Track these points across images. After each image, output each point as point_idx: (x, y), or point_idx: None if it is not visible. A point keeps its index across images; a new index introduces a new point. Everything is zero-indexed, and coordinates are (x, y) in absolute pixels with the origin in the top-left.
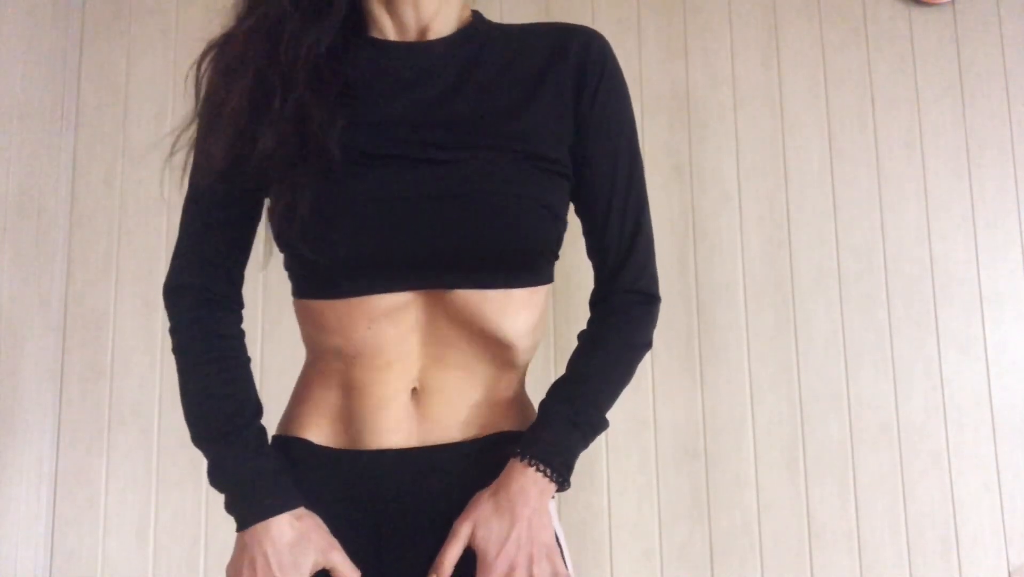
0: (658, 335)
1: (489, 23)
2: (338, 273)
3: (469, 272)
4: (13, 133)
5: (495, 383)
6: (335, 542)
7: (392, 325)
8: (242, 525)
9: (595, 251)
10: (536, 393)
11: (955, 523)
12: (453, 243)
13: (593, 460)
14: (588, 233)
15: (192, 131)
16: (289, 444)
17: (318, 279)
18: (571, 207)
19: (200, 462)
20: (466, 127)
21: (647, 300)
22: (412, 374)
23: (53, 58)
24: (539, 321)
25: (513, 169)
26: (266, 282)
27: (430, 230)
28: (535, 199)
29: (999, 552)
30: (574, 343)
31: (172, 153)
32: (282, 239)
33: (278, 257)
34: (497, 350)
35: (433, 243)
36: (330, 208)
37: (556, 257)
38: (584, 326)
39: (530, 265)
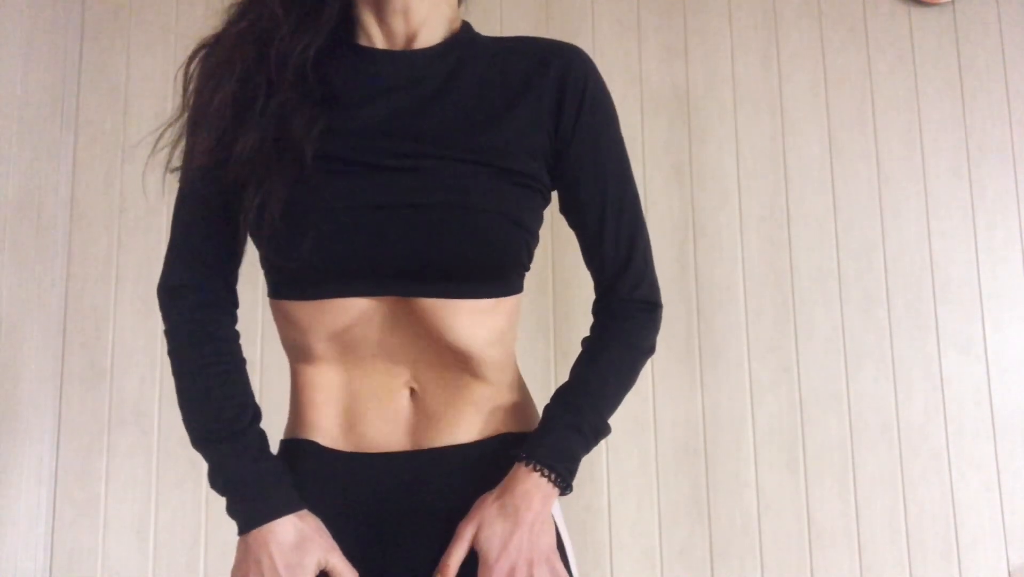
0: (658, 336)
1: (476, 35)
2: (304, 276)
3: (433, 282)
4: (13, 133)
5: (482, 388)
6: (335, 545)
7: (369, 329)
8: (245, 528)
9: (592, 264)
10: (536, 393)
11: (955, 523)
12: (418, 253)
13: (593, 460)
14: (583, 247)
15: (178, 129)
16: (299, 447)
17: (288, 280)
18: (565, 218)
19: (200, 462)
20: (439, 138)
21: (649, 307)
22: (403, 377)
23: (53, 58)
24: (506, 332)
25: (484, 182)
26: (266, 283)
27: (396, 239)
28: (504, 213)
29: (999, 552)
30: (574, 343)
31: (154, 151)
32: (254, 239)
33: None
34: (464, 359)
35: (398, 252)
36: (298, 213)
37: (526, 269)
38: (583, 327)
39: (496, 277)
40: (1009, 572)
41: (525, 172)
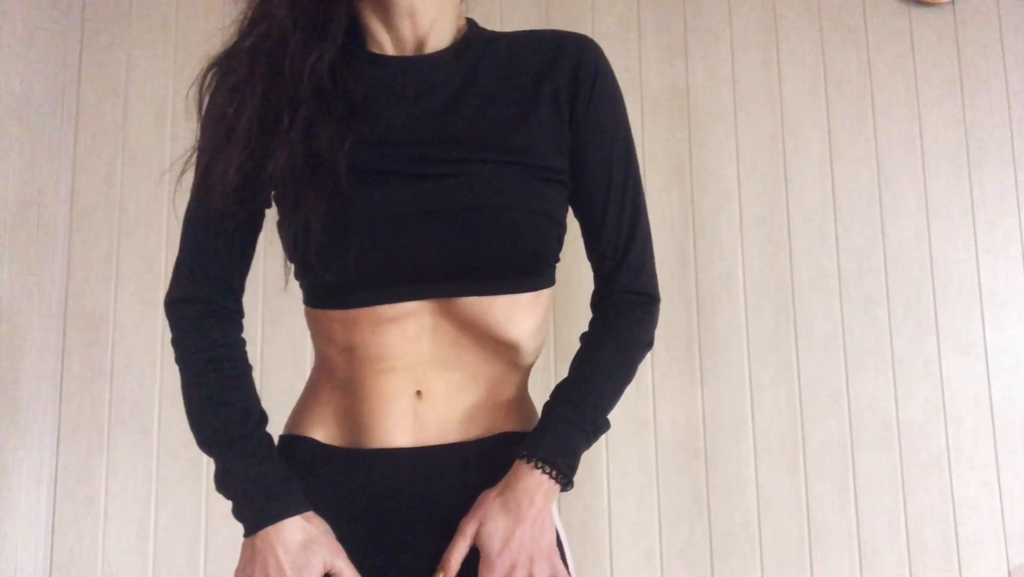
0: (658, 335)
1: (484, 32)
2: (349, 287)
3: (476, 280)
4: (13, 133)
5: (499, 385)
6: (340, 548)
7: (398, 331)
8: (252, 530)
9: (593, 253)
10: (536, 393)
11: (955, 523)
12: (460, 254)
13: (593, 460)
14: (586, 236)
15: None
16: (296, 442)
17: (329, 291)
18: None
19: (200, 462)
20: (468, 141)
21: (647, 300)
22: (415, 376)
23: (53, 58)
24: (543, 322)
25: (516, 181)
26: (266, 283)
27: (437, 243)
28: (537, 210)
29: (999, 552)
30: (574, 343)
31: (183, 173)
32: (294, 252)
33: (277, 259)
34: (504, 352)
35: (441, 255)
36: (339, 226)
37: (557, 260)
38: (584, 327)
39: (534, 271)
40: (1009, 572)
41: (553, 167)
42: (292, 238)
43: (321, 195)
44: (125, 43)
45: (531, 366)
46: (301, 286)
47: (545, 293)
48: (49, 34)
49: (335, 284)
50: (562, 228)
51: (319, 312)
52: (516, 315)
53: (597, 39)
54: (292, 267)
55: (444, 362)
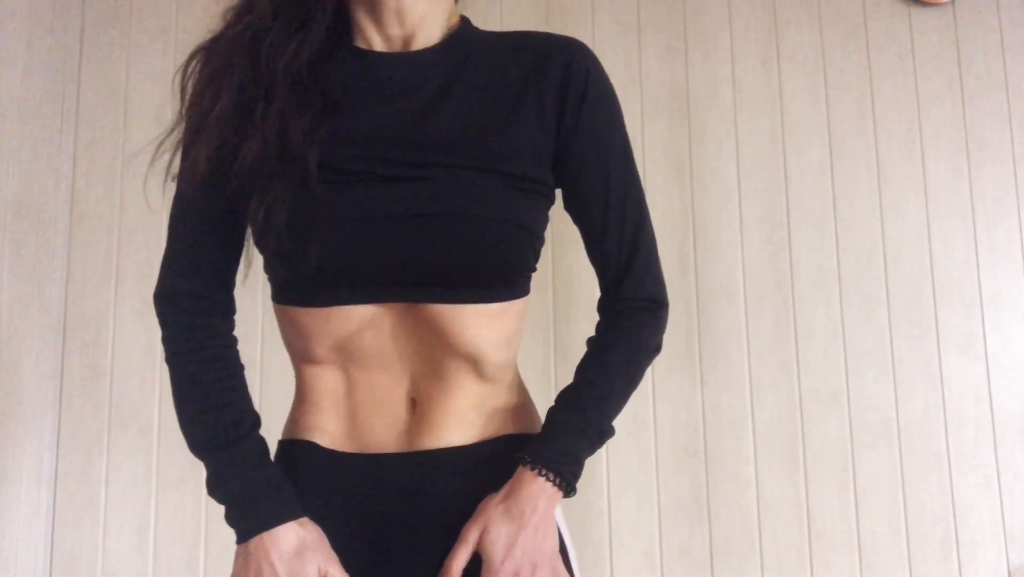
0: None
1: (475, 31)
2: (311, 284)
3: (442, 288)
4: (13, 133)
5: (485, 391)
6: (335, 555)
7: (373, 334)
8: (245, 536)
9: (596, 262)
10: (534, 394)
11: (955, 523)
12: (427, 261)
13: (593, 460)
14: (588, 245)
15: (177, 135)
16: (297, 447)
17: (294, 287)
18: (569, 214)
19: (200, 462)
20: (444, 146)
21: (654, 306)
22: (405, 381)
23: (53, 58)
24: (515, 334)
25: (490, 189)
26: (265, 282)
27: (404, 248)
28: (511, 220)
29: (999, 552)
30: (574, 343)
31: (155, 157)
32: (259, 246)
33: None
34: (472, 362)
35: (407, 260)
36: (304, 223)
37: (533, 270)
38: (583, 327)
39: (504, 281)
40: (1009, 572)
41: (530, 176)
42: (257, 230)
43: (287, 191)
44: (125, 43)
45: (510, 373)
46: (269, 280)
47: (517, 303)
48: (49, 34)
49: (299, 280)
50: (538, 239)
51: (287, 308)
52: (483, 325)
53: (597, 39)
54: (252, 262)
55: (427, 367)
